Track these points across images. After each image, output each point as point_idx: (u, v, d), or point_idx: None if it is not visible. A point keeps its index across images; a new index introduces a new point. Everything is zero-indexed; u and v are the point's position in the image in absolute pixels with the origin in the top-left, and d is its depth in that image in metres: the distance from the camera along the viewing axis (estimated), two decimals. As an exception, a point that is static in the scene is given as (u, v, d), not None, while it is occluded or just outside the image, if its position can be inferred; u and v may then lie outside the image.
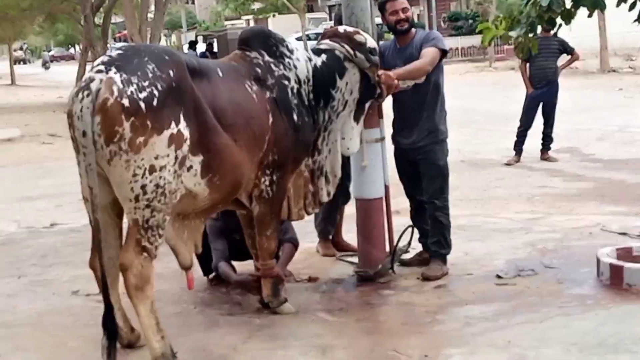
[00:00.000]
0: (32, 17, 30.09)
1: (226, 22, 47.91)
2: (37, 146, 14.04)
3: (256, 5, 42.01)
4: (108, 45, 25.49)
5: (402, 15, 5.27)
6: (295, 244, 5.24)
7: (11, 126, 16.77)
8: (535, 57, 9.48)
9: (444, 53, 5.21)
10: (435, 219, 5.37)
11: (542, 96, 9.82)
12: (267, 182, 4.56)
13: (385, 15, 5.35)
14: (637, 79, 19.90)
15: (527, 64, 9.85)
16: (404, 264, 5.54)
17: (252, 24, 44.79)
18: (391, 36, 5.58)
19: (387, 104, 5.35)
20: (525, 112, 9.94)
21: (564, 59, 10.15)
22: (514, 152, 9.86)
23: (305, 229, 6.08)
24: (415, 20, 39.11)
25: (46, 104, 22.43)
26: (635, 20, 5.18)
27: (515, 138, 9.90)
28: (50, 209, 8.37)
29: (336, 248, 6.06)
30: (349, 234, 5.94)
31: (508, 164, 9.68)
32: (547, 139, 9.92)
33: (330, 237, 6.10)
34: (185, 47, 33.02)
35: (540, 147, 9.90)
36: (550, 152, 9.89)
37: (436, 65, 5.20)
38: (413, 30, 5.36)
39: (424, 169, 5.36)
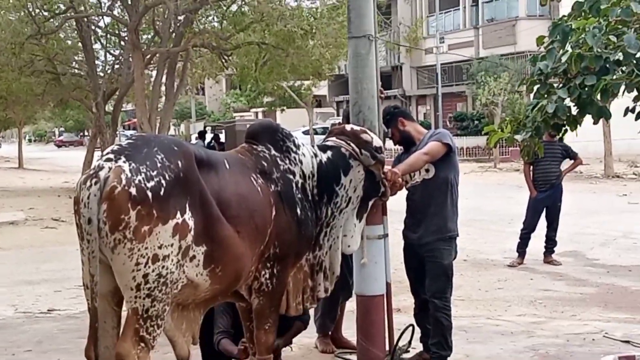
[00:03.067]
0: (44, 102, 30.58)
1: (235, 114, 48.60)
2: (40, 230, 14.08)
3: (266, 99, 42.71)
4: (117, 132, 25.82)
5: (394, 140, 5.57)
6: (305, 324, 5.23)
7: (16, 209, 16.86)
8: (539, 161, 9.63)
9: (449, 148, 5.28)
10: (436, 319, 5.32)
11: (546, 200, 9.87)
12: (267, 275, 4.55)
13: None
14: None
15: (531, 167, 9.94)
16: (404, 364, 5.46)
17: (260, 116, 45.45)
18: None
19: (400, 200, 5.38)
20: (529, 215, 9.97)
21: (567, 163, 10.26)
22: (517, 254, 9.85)
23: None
24: (422, 119, 39.73)
25: (52, 189, 22.60)
26: (640, 132, 5.25)
27: (518, 240, 9.90)
28: (49, 294, 8.32)
29: (335, 344, 5.98)
30: (349, 330, 5.87)
31: (511, 266, 9.65)
32: (550, 242, 9.92)
33: (330, 333, 6.03)
34: (194, 137, 33.44)
35: (544, 250, 9.89)
36: (553, 256, 9.87)
37: (445, 162, 5.29)
38: (421, 130, 5.55)
39: (428, 267, 5.35)
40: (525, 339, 6.16)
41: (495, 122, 25.90)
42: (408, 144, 5.51)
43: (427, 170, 5.31)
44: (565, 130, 5.11)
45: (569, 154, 10.00)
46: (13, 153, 39.84)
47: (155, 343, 3.87)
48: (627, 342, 5.96)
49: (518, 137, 4.99)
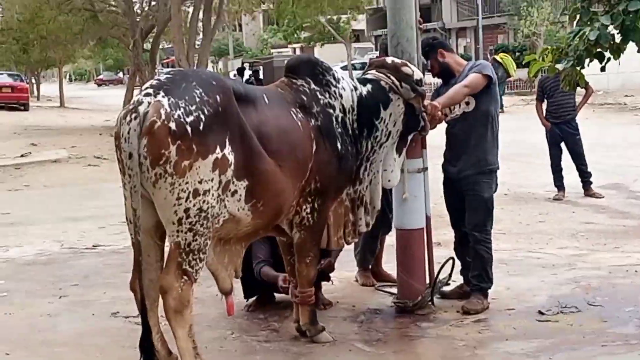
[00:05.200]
0: (83, 41, 30.70)
1: (273, 50, 48.38)
2: (83, 168, 14.26)
3: (304, 34, 42.37)
4: (156, 70, 25.88)
5: (432, 73, 5.50)
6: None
7: (59, 147, 17.08)
8: (551, 94, 9.51)
9: (489, 80, 5.19)
10: (477, 252, 5.31)
11: (561, 133, 9.78)
12: (308, 210, 4.56)
13: None
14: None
15: (544, 103, 9.87)
16: (444, 296, 5.48)
17: (298, 52, 45.18)
18: None
19: (440, 133, 5.33)
20: (549, 149, 9.91)
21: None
22: (556, 189, 9.77)
23: (345, 258, 6.07)
24: (462, 52, 39.15)
25: (93, 127, 22.83)
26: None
27: (552, 175, 9.83)
28: (93, 230, 8.47)
29: (375, 278, 6.02)
30: (389, 264, 5.90)
31: (556, 199, 9.57)
32: (583, 174, 9.78)
33: (370, 266, 6.06)
34: (232, 74, 33.42)
35: (581, 184, 9.78)
36: (594, 188, 9.74)
37: (485, 94, 5.21)
38: (462, 62, 5.48)
39: (468, 200, 5.32)
40: (567, 271, 6.13)
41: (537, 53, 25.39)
42: (447, 76, 5.43)
43: (467, 103, 5.23)
44: (608, 59, 4.99)
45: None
46: (54, 92, 40.15)
47: (198, 276, 3.93)
48: (671, 273, 5.91)
49: (559, 66, 4.89)
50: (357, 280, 6.03)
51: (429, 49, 5.42)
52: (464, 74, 5.30)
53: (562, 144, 9.84)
